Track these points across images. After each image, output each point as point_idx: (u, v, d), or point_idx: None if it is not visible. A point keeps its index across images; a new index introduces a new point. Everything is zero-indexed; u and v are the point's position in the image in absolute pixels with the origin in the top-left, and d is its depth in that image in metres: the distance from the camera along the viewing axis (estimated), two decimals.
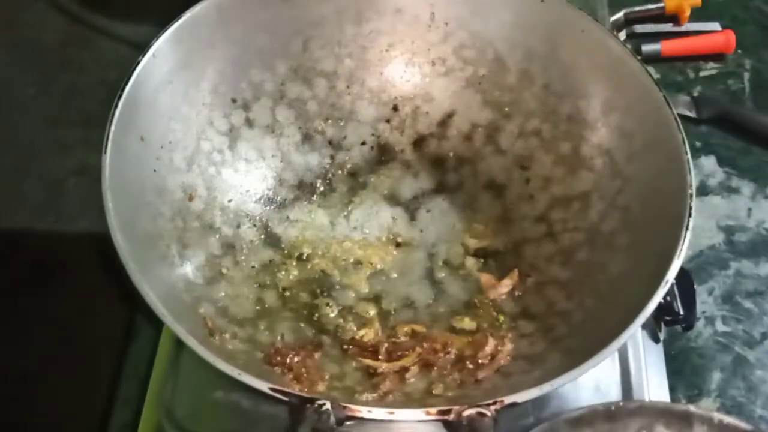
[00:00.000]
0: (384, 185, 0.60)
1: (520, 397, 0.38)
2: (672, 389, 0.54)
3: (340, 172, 0.60)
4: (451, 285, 0.55)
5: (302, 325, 0.52)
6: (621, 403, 0.38)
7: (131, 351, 0.56)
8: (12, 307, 0.59)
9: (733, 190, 0.66)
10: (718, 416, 0.38)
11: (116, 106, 0.46)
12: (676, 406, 0.40)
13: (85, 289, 0.60)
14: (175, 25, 0.51)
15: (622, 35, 0.74)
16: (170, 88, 0.51)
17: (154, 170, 0.50)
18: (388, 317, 0.53)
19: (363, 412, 0.38)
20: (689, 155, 0.46)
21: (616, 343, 0.40)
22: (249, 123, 0.57)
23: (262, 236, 0.56)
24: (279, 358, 0.46)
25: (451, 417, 0.37)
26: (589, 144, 0.54)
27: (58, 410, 0.55)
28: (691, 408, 0.39)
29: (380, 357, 0.49)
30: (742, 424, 0.38)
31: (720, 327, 0.59)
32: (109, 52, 0.74)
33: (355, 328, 0.52)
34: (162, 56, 0.50)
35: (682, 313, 0.53)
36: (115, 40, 0.74)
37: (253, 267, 0.54)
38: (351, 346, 0.51)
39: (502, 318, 0.52)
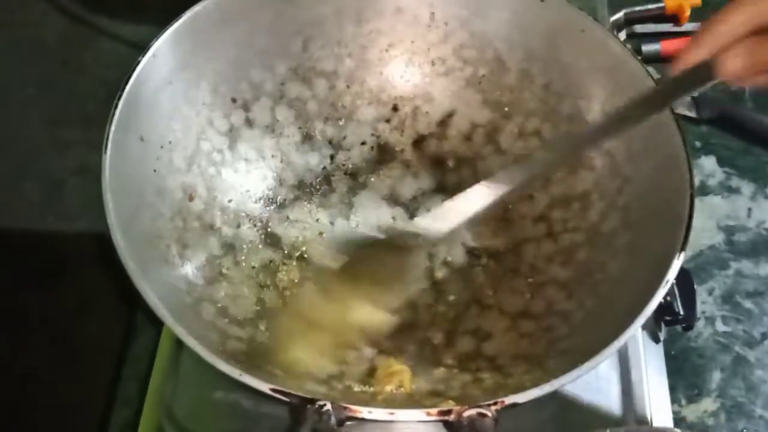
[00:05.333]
0: (384, 185, 0.60)
1: (521, 397, 0.38)
2: (672, 389, 0.54)
3: (340, 172, 0.60)
4: (451, 285, 0.55)
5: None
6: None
7: (131, 351, 0.57)
8: (12, 307, 0.59)
9: (733, 190, 0.66)
10: None
11: (116, 106, 0.46)
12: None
13: (85, 289, 0.60)
14: (175, 25, 0.51)
15: (622, 35, 0.74)
16: (170, 88, 0.51)
17: (154, 170, 0.50)
18: None
19: (363, 412, 0.38)
20: (689, 155, 0.46)
21: (617, 344, 0.40)
22: (249, 123, 0.57)
23: (262, 236, 0.56)
24: None
25: (452, 417, 0.37)
26: None
27: (58, 410, 0.55)
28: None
29: None
30: None
31: (720, 327, 0.59)
32: (109, 52, 0.74)
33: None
34: (162, 56, 0.50)
35: (682, 313, 0.53)
36: (115, 40, 0.74)
37: (253, 267, 0.54)
38: None
39: None
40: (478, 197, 0.49)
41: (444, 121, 0.60)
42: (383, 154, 0.61)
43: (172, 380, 0.52)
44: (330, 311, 0.52)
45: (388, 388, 0.48)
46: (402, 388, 0.47)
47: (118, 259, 0.41)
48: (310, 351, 0.50)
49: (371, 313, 0.52)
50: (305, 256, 0.56)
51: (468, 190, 0.49)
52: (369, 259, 0.55)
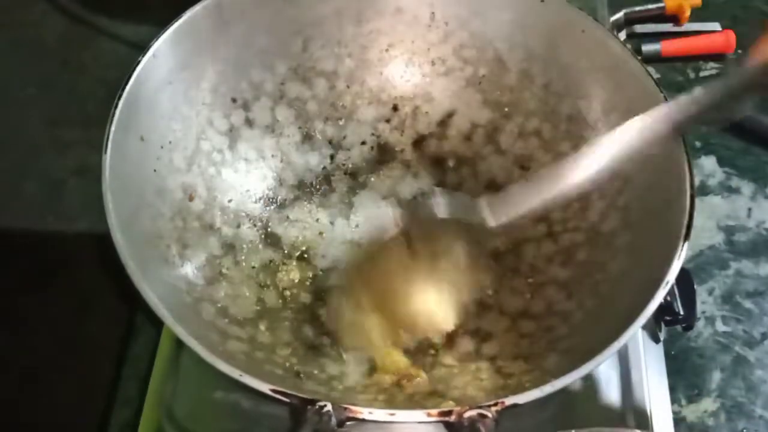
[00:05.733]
0: (384, 185, 0.60)
1: (522, 398, 0.38)
2: (672, 389, 0.54)
3: (340, 172, 0.60)
4: None
5: (302, 325, 0.52)
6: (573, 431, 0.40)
7: (131, 351, 0.57)
8: (12, 307, 0.59)
9: (733, 190, 0.66)
10: None
11: (116, 106, 0.46)
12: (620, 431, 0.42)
13: (85, 289, 0.60)
14: (175, 25, 0.51)
15: (622, 35, 0.74)
16: (170, 88, 0.51)
17: (155, 170, 0.50)
18: None
19: (364, 413, 0.38)
20: (689, 155, 0.46)
21: (617, 344, 0.40)
22: (249, 123, 0.57)
23: (262, 236, 0.56)
24: None
25: (452, 418, 0.37)
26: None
27: (58, 410, 0.55)
28: None
29: None
30: None
31: (720, 327, 0.59)
32: (109, 52, 0.74)
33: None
34: (162, 56, 0.50)
35: (682, 313, 0.53)
36: (115, 40, 0.74)
37: (253, 267, 0.54)
38: None
39: None
40: (543, 188, 0.45)
41: (444, 121, 0.60)
42: (383, 154, 0.61)
43: (172, 380, 0.52)
44: (395, 289, 0.50)
45: (388, 379, 0.48)
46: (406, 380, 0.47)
47: (118, 259, 0.41)
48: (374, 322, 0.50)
49: (437, 303, 0.50)
50: (305, 255, 0.56)
51: (535, 177, 0.46)
52: (429, 238, 0.51)
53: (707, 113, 0.43)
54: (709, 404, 0.55)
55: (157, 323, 0.55)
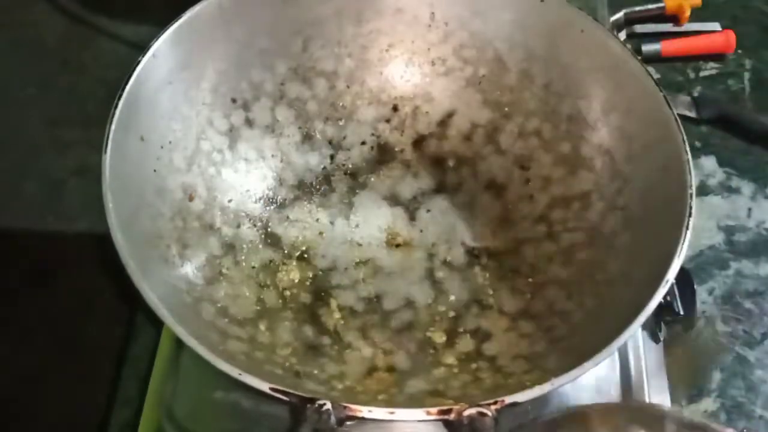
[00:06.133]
0: (384, 185, 0.60)
1: (521, 396, 0.38)
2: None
3: (340, 172, 0.60)
4: (451, 285, 0.55)
5: (302, 325, 0.52)
6: (593, 405, 0.39)
7: (131, 351, 0.56)
8: (12, 307, 0.59)
9: (733, 190, 0.66)
10: (689, 417, 0.39)
11: (116, 106, 0.46)
12: (649, 407, 0.40)
13: (85, 289, 0.60)
14: (175, 25, 0.51)
15: (622, 35, 0.74)
16: (170, 88, 0.51)
17: (154, 170, 0.50)
18: (388, 317, 0.53)
19: (364, 411, 0.38)
20: (689, 155, 0.46)
21: (616, 343, 0.40)
22: (249, 123, 0.57)
23: (262, 236, 0.56)
24: None
25: (452, 416, 0.37)
26: (589, 144, 0.54)
27: (58, 410, 0.55)
28: (664, 408, 0.40)
29: None
30: (713, 425, 0.38)
31: (720, 327, 0.59)
32: (109, 52, 0.74)
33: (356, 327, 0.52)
34: (162, 56, 0.50)
35: (682, 313, 0.53)
36: (115, 40, 0.74)
37: (253, 267, 0.54)
38: None
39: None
40: None
41: (444, 121, 0.60)
42: (383, 154, 0.61)
43: (172, 380, 0.52)
44: None
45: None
46: None
47: (118, 259, 0.41)
48: None
49: None
50: (305, 255, 0.56)
51: None
52: None
53: None
54: (709, 404, 0.55)
55: (157, 323, 0.55)
